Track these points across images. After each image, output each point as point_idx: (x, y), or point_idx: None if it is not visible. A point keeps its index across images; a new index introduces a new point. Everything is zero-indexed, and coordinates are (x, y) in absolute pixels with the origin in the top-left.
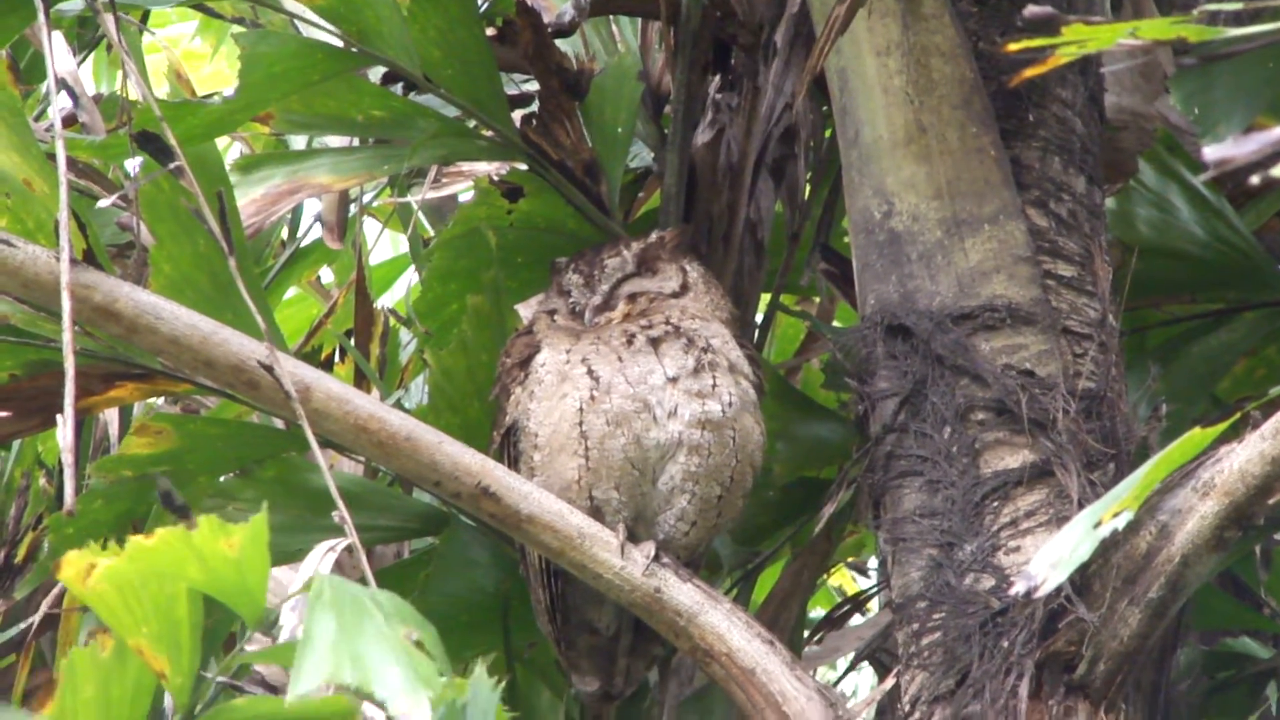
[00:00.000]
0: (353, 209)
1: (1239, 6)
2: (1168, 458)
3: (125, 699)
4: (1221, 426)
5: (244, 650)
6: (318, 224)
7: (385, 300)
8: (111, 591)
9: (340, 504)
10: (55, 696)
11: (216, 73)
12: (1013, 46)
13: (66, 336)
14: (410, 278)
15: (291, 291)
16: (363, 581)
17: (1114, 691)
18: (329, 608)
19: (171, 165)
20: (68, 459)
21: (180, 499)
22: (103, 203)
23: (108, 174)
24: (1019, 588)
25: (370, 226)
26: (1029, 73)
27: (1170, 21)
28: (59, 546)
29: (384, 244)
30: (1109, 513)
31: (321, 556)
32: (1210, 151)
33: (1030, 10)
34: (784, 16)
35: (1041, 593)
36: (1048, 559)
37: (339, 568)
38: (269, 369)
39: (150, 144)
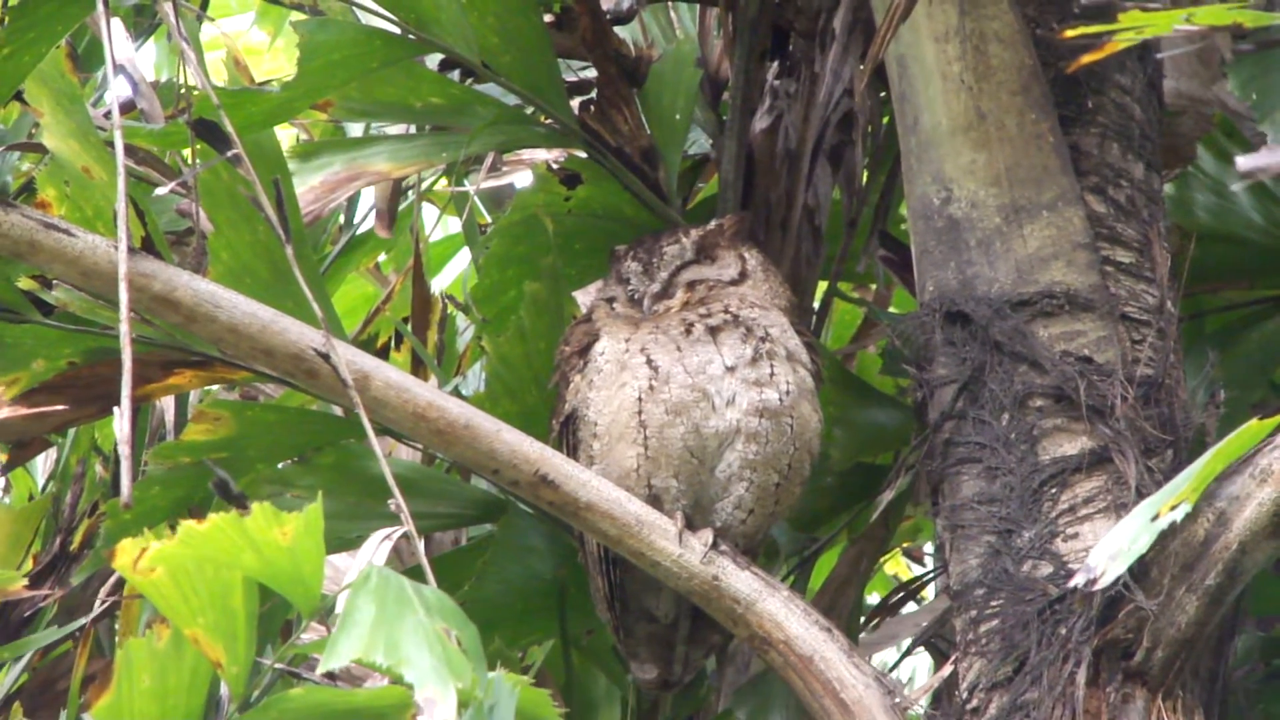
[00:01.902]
0: (410, 195)
1: None
2: (1225, 449)
3: (182, 688)
4: (1278, 418)
5: (300, 640)
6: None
7: (439, 279)
8: (167, 581)
9: (396, 492)
10: (111, 687)
11: (276, 70)
12: (1070, 33)
13: (124, 328)
14: (464, 258)
15: None
16: (416, 573)
17: (1172, 679)
18: (372, 595)
19: (229, 153)
20: (124, 451)
21: (236, 488)
22: (160, 190)
23: (165, 160)
24: (1078, 579)
25: (426, 210)
26: (1086, 59)
27: (1226, 7)
28: (115, 533)
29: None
30: (1167, 505)
31: (378, 544)
32: (1243, 161)
33: None
34: (842, 2)
35: (1101, 585)
36: (1107, 551)
37: (397, 555)
38: (326, 357)
39: (208, 132)
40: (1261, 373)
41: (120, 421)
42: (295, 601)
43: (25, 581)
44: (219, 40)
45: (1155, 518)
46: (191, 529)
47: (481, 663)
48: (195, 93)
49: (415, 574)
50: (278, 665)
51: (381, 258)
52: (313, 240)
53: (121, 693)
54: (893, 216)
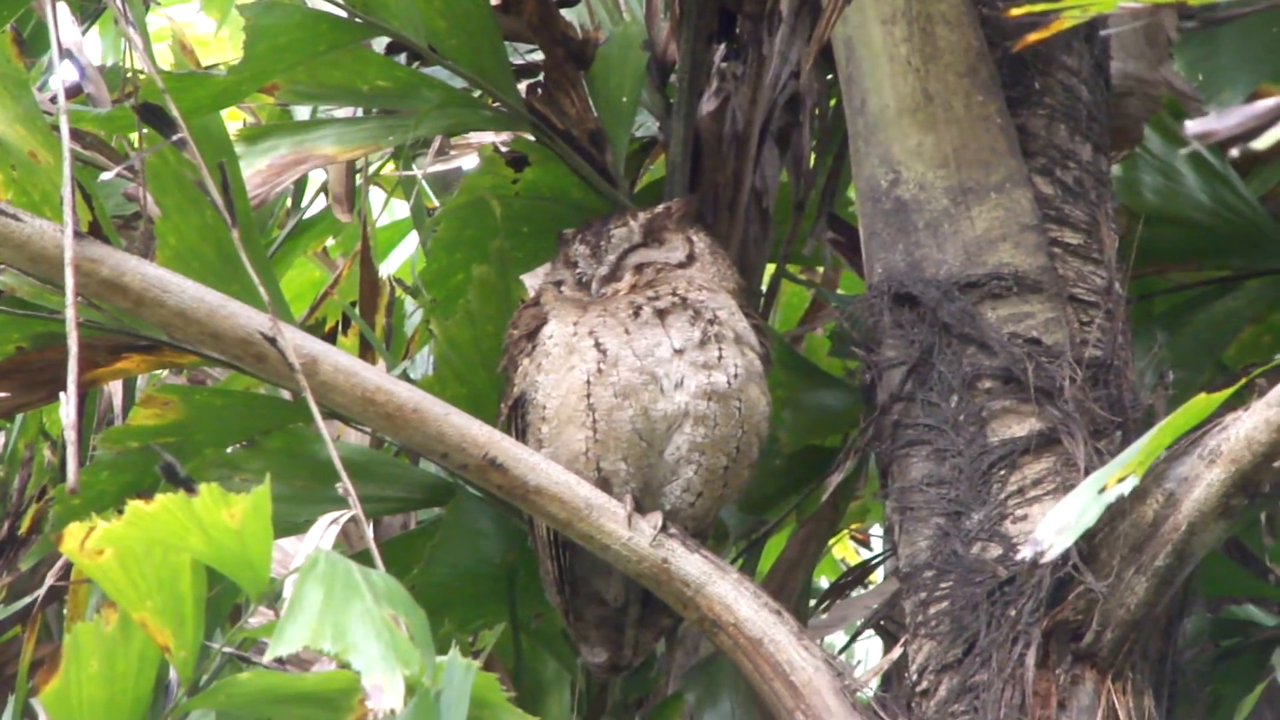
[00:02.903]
0: (358, 179)
1: None
2: (1173, 423)
3: (130, 673)
4: (1226, 392)
5: (248, 624)
6: (323, 194)
7: (387, 264)
8: (115, 564)
9: (344, 476)
10: (59, 671)
11: (224, 59)
12: (1015, 11)
13: (70, 314)
14: (412, 242)
15: None
16: (364, 557)
17: (1121, 660)
18: (320, 580)
19: (174, 138)
20: (70, 436)
21: (183, 472)
22: (105, 176)
23: (112, 144)
24: (1025, 552)
25: (373, 193)
26: (1032, 37)
27: None
28: (63, 518)
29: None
30: (1114, 478)
31: (325, 529)
32: (1192, 125)
33: None
34: None
35: (1048, 558)
36: (1054, 524)
37: (346, 538)
38: (273, 341)
39: (153, 116)
40: (1209, 353)
41: (66, 407)
42: (243, 584)
43: None
44: (166, 31)
45: (1102, 490)
46: (139, 510)
47: (430, 648)
48: (141, 76)
49: (364, 558)
50: (226, 649)
51: (330, 242)
52: (260, 224)
53: (69, 677)
54: (840, 199)
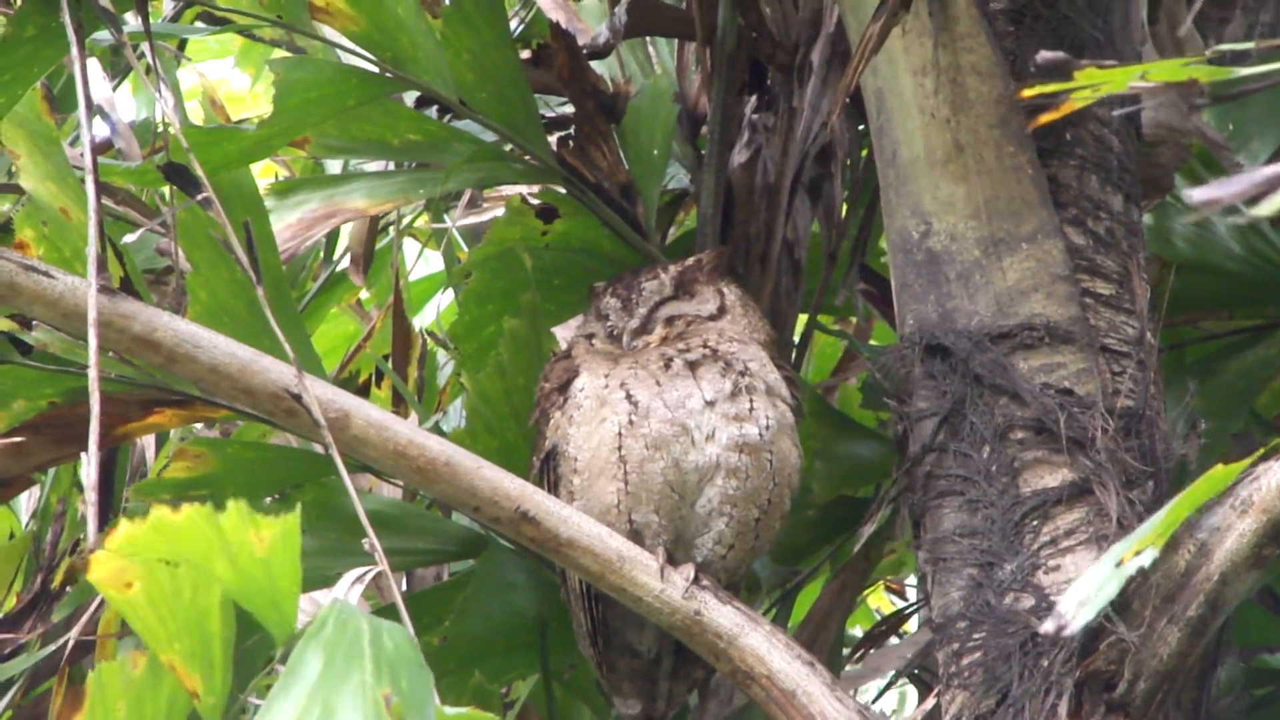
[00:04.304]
0: (391, 232)
1: (1249, 46)
2: (1193, 494)
3: (159, 717)
4: (1243, 463)
5: (277, 669)
6: None
7: (421, 317)
8: (144, 602)
9: (370, 532)
10: (84, 710)
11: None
12: (1027, 93)
13: (93, 373)
14: (446, 295)
15: None
16: (389, 612)
17: (1154, 710)
18: (323, 646)
19: (199, 197)
20: (91, 498)
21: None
22: (129, 238)
23: (142, 198)
24: (1048, 626)
25: (408, 246)
26: (1045, 118)
27: (1181, 63)
28: None
29: (419, 259)
30: (1131, 551)
31: (352, 584)
32: (1195, 193)
33: (1043, 55)
34: (820, 36)
35: (1069, 631)
36: (1076, 597)
37: (378, 591)
38: (298, 398)
39: (178, 176)
40: (1242, 402)
41: (88, 468)
42: (268, 623)
43: None
44: (195, 90)
45: (1120, 564)
46: (164, 517)
47: (429, 710)
48: (172, 130)
49: (390, 612)
50: (257, 700)
51: (364, 294)
52: (293, 277)
53: (95, 718)
54: (872, 249)
